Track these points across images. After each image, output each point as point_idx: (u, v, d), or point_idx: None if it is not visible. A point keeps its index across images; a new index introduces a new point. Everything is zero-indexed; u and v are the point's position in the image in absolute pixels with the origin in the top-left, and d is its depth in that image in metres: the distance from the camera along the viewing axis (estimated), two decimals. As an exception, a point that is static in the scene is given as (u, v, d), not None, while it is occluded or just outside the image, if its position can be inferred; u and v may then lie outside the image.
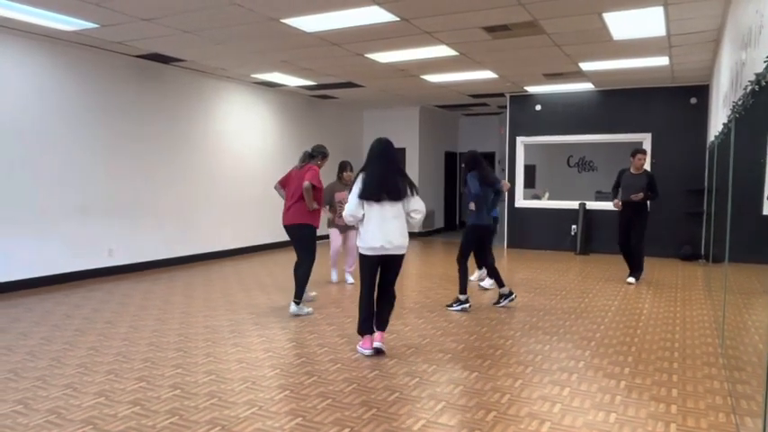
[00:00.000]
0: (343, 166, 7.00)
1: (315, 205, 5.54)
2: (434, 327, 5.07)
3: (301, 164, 5.74)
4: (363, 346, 4.28)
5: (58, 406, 3.29)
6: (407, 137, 12.76)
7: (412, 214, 4.29)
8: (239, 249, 9.68)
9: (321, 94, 10.83)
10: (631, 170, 7.06)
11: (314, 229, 5.63)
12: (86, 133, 7.20)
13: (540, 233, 10.52)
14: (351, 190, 4.28)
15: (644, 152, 7.02)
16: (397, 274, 4.38)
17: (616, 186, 7.24)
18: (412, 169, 12.59)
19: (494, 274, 5.95)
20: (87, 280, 7.17)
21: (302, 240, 5.61)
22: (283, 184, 5.81)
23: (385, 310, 4.38)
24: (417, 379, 3.75)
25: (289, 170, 5.86)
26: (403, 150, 12.71)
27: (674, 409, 3.28)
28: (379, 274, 4.34)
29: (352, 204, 4.22)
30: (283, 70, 8.46)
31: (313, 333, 4.85)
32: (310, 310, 5.59)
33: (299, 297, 5.49)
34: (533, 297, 6.37)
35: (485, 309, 5.77)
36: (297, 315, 5.43)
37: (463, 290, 5.73)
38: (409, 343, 4.57)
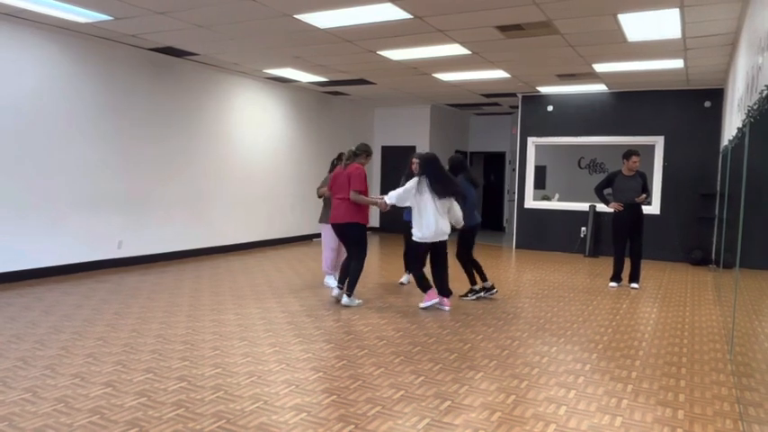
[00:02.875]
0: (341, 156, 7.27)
1: (374, 200, 5.78)
2: (441, 326, 5.07)
3: (346, 162, 5.93)
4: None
5: (65, 395, 3.32)
6: (418, 135, 12.74)
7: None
8: (248, 244, 9.71)
9: (333, 90, 10.83)
10: (624, 172, 6.91)
11: (364, 226, 5.85)
12: (98, 125, 7.24)
13: (550, 235, 10.48)
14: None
15: (638, 154, 6.90)
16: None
17: (603, 187, 7.03)
18: (422, 167, 12.57)
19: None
20: (97, 271, 7.23)
21: (353, 238, 5.83)
22: (330, 187, 6.03)
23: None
24: (423, 377, 3.74)
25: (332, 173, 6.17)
26: (413, 148, 12.70)
27: (680, 414, 3.26)
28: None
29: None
30: (296, 66, 8.47)
31: (320, 329, 4.87)
32: (360, 301, 5.85)
33: (350, 290, 5.74)
34: (541, 299, 6.34)
35: (492, 309, 5.76)
36: (348, 306, 5.71)
37: (484, 278, 6.24)
38: (416, 341, 4.57)
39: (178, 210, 8.39)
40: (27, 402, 3.21)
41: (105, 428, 2.90)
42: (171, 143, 8.24)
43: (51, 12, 5.92)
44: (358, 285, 5.85)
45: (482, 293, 6.21)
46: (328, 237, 6.49)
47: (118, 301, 5.73)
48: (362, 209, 5.77)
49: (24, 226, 6.50)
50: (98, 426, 2.93)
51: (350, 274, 5.77)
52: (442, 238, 5.60)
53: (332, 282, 6.55)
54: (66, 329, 4.67)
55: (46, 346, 4.22)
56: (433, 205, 5.43)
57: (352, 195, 5.66)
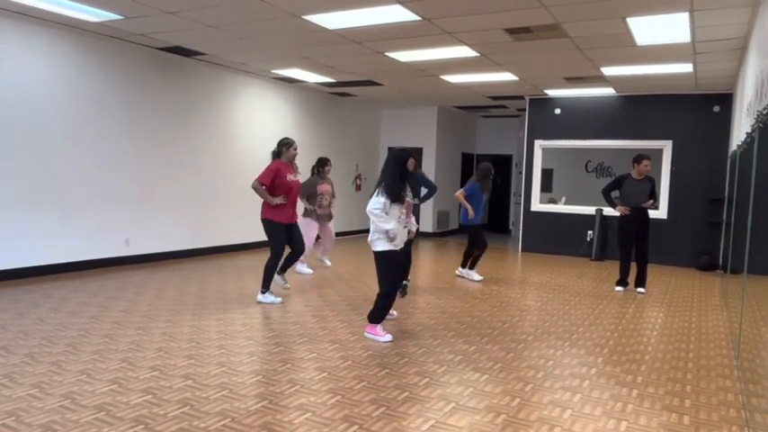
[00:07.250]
0: (324, 162, 7.58)
1: (274, 201, 5.68)
2: (446, 328, 5.06)
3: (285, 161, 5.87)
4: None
5: (72, 391, 3.34)
6: (425, 137, 12.74)
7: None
8: (254, 243, 9.72)
9: (340, 91, 10.85)
10: (633, 176, 6.85)
11: (269, 222, 5.77)
12: (107, 124, 7.28)
13: (556, 238, 10.45)
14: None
15: (650, 158, 6.85)
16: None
17: (610, 190, 6.98)
18: (428, 169, 12.57)
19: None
20: (104, 268, 7.27)
21: (266, 234, 5.86)
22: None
23: None
24: (428, 379, 3.74)
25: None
26: (420, 150, 12.71)
27: (686, 419, 3.25)
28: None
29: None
30: (303, 67, 8.49)
31: (325, 329, 4.87)
32: (279, 299, 5.81)
33: (265, 286, 5.78)
34: (546, 302, 6.33)
35: (497, 313, 5.75)
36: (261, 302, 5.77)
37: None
38: (420, 343, 4.57)
39: (185, 209, 8.43)
40: (33, 398, 3.23)
41: (111, 425, 2.91)
42: (179, 142, 8.28)
43: (63, 11, 5.96)
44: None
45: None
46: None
47: (125, 298, 5.76)
48: (265, 204, 5.74)
49: (33, 223, 6.54)
50: (104, 422, 2.94)
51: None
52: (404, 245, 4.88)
53: (304, 269, 7.46)
54: (73, 326, 4.70)
55: (53, 343, 4.25)
56: (396, 211, 4.61)
57: (253, 184, 5.68)
